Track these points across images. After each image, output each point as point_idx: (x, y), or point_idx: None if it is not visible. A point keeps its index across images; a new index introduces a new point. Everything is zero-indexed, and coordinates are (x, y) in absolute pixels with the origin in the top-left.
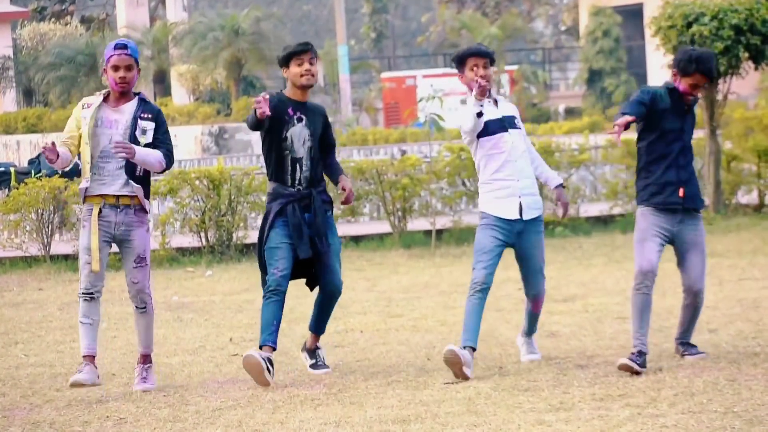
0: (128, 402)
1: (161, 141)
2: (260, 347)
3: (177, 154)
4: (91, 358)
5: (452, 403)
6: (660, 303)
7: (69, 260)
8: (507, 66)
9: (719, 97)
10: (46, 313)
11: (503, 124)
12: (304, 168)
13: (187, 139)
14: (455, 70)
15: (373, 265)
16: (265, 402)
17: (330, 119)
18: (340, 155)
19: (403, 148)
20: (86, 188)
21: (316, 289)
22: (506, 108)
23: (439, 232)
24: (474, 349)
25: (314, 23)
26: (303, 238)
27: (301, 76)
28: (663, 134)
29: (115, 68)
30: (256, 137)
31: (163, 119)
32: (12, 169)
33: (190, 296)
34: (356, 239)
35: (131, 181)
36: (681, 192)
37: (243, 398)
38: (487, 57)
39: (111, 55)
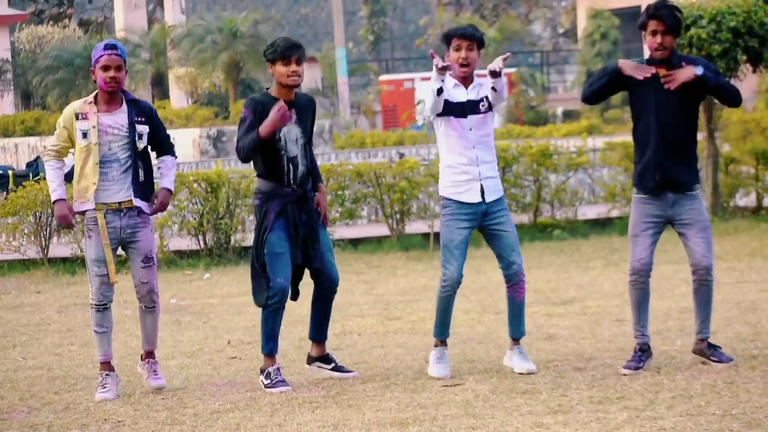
0: (126, 405)
1: (164, 141)
2: (268, 355)
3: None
4: (108, 365)
5: (450, 406)
6: (657, 305)
7: (67, 263)
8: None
9: None
10: (44, 316)
11: (463, 109)
12: (299, 166)
13: (185, 142)
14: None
15: (371, 267)
16: (264, 405)
17: (328, 122)
18: (338, 158)
19: (401, 151)
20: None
21: (304, 295)
22: (480, 90)
23: (437, 234)
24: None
25: (312, 26)
26: (298, 244)
27: (288, 76)
28: (639, 110)
29: (105, 68)
30: None
31: (157, 117)
32: (10, 172)
33: (188, 299)
34: (354, 242)
35: (136, 191)
36: (656, 175)
37: (241, 401)
38: (471, 39)
39: (101, 55)
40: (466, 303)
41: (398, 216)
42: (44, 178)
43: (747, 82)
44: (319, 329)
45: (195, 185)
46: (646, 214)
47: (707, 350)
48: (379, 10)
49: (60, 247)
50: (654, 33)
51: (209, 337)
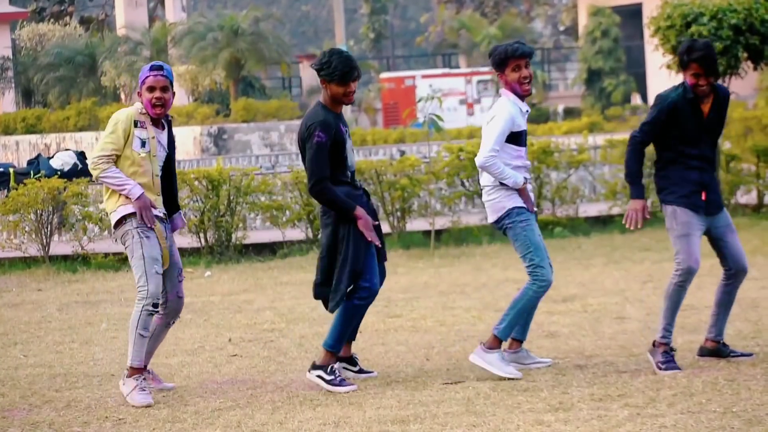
0: (127, 403)
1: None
2: (333, 353)
3: (176, 155)
4: (142, 369)
5: (451, 404)
6: (658, 303)
7: (68, 261)
8: None
9: None
10: (45, 314)
11: (526, 138)
12: (356, 177)
13: (185, 140)
14: (454, 71)
15: None
16: (264, 402)
17: None
18: None
19: (402, 149)
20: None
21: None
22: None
23: (438, 232)
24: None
25: (313, 23)
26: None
27: (344, 95)
28: (682, 135)
29: (151, 89)
30: (255, 138)
31: None
32: (11, 170)
33: (188, 296)
34: None
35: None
36: (703, 195)
37: (242, 399)
38: (529, 57)
39: (147, 76)
40: (467, 300)
41: (399, 214)
42: (46, 176)
43: (748, 79)
44: (354, 327)
45: (196, 183)
46: (695, 216)
47: (724, 349)
48: (380, 8)
49: (61, 245)
50: (696, 75)
51: (210, 335)
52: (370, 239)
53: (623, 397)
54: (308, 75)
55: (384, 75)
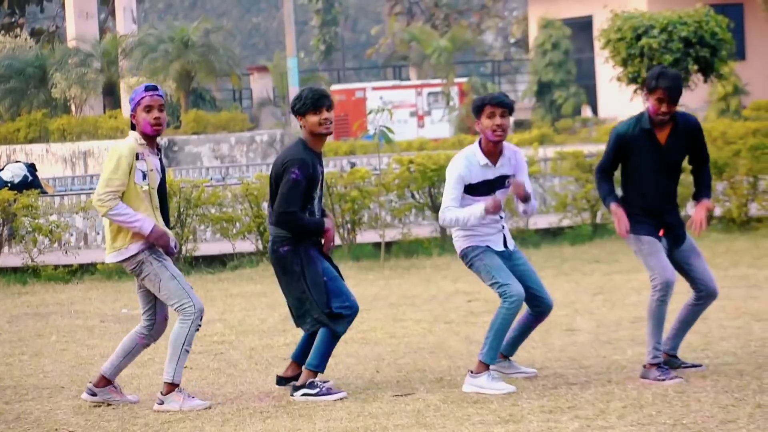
0: (77, 415)
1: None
2: (316, 372)
3: None
4: (178, 385)
5: (401, 416)
6: (609, 315)
7: (18, 273)
8: (456, 78)
9: None
10: None
11: (492, 188)
12: (318, 214)
13: None
14: (404, 83)
15: None
16: (215, 415)
17: (279, 131)
18: None
19: (353, 161)
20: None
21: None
22: (507, 163)
23: (389, 244)
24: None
25: (264, 36)
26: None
27: (320, 125)
28: (638, 167)
29: (149, 108)
30: (205, 150)
31: None
32: None
33: (136, 309)
34: None
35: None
36: (661, 232)
37: (192, 411)
38: (505, 107)
39: (142, 97)
40: (417, 312)
41: (349, 226)
42: None
43: (698, 92)
44: (309, 350)
45: None
46: (654, 234)
47: (675, 360)
48: (331, 20)
49: (11, 257)
50: (660, 100)
51: (160, 347)
52: (326, 249)
53: (573, 409)
54: (258, 87)
55: (334, 87)
